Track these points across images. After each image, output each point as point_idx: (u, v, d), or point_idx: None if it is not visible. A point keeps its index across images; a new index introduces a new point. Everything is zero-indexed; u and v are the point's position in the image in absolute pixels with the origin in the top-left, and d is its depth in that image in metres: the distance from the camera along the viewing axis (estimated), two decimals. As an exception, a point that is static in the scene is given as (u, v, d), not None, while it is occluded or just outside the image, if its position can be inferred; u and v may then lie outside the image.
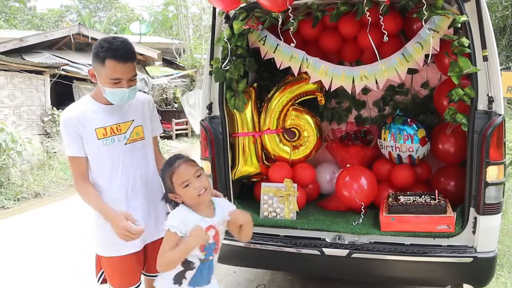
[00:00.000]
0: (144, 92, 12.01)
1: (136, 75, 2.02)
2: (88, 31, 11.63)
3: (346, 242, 2.72)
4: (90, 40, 11.07)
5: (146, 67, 14.34)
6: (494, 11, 13.11)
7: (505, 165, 2.49)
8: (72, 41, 11.35)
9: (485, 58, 2.41)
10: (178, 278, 1.94)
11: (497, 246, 2.59)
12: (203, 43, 15.82)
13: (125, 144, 2.10)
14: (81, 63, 10.19)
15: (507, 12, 13.15)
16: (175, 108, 15.90)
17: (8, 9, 24.89)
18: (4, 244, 5.06)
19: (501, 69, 2.62)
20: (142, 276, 2.30)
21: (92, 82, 2.09)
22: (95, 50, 1.94)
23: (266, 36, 3.04)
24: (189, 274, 1.94)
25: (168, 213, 2.10)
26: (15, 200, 7.08)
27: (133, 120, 2.12)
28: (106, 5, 31.56)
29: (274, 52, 3.03)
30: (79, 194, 2.08)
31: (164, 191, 2.00)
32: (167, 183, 1.90)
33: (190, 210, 1.90)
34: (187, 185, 1.85)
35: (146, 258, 2.25)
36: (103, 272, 2.22)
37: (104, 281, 2.23)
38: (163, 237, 1.96)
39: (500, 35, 13.27)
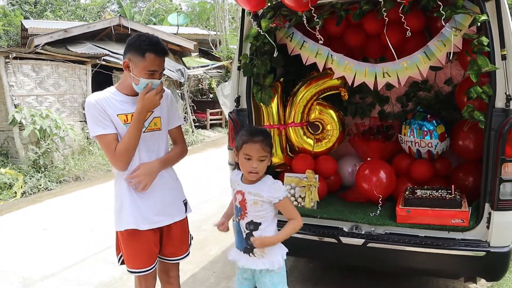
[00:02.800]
0: (180, 82, 12.39)
1: (164, 69, 2.21)
2: (128, 22, 12.03)
3: (363, 232, 2.82)
4: (130, 32, 11.38)
5: (182, 58, 14.59)
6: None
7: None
8: (113, 32, 11.75)
9: (504, 57, 2.43)
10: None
11: (513, 242, 2.62)
12: (238, 34, 15.89)
13: (144, 132, 2.21)
14: (120, 54, 10.47)
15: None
16: (210, 98, 16.18)
17: (54, 0, 25.87)
18: (50, 221, 5.49)
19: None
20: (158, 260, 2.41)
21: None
22: (135, 43, 2.10)
23: (293, 33, 3.13)
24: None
25: (184, 200, 2.42)
26: (57, 183, 7.56)
27: (152, 112, 2.24)
28: (146, -5, 32.14)
29: (300, 49, 3.12)
30: (121, 159, 2.15)
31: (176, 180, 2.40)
32: (239, 142, 2.17)
33: (240, 173, 2.25)
34: (247, 159, 2.13)
35: (162, 242, 2.36)
36: (122, 254, 2.34)
37: (124, 262, 2.34)
38: (176, 222, 2.34)
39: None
